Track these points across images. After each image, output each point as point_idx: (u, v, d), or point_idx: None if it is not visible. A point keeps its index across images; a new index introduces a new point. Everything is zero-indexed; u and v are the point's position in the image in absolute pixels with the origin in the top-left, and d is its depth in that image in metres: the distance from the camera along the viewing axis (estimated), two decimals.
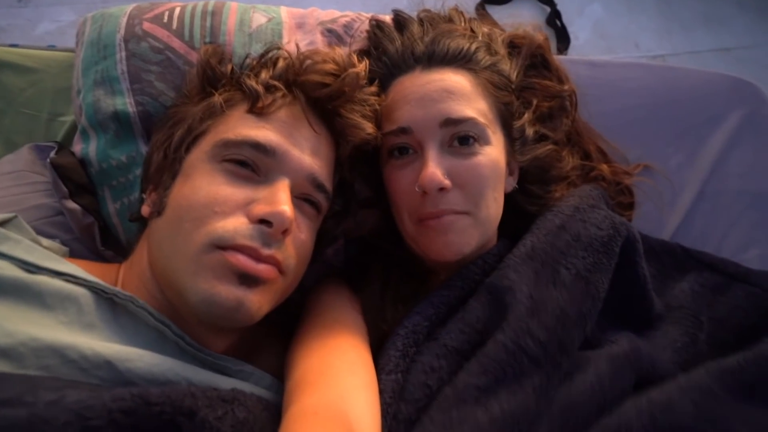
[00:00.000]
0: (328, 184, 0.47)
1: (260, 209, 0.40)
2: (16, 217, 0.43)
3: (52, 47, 0.69)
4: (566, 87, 0.63)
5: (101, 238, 0.55)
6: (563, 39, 1.28)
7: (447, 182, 0.47)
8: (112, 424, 0.28)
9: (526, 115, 0.56)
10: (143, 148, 0.55)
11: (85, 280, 0.39)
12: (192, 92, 0.49)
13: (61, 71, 0.63)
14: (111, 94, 0.55)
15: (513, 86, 0.55)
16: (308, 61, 0.46)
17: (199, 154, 0.44)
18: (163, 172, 0.45)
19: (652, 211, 0.72)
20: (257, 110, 0.44)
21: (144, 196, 0.48)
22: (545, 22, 1.33)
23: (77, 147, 0.57)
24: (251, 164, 0.42)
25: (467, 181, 0.48)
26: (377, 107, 0.49)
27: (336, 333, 0.45)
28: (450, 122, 0.48)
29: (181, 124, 0.46)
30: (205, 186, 0.41)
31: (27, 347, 0.33)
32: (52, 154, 0.55)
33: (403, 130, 0.48)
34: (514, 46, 0.60)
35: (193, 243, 0.39)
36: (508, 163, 0.54)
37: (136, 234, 0.51)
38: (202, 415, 0.32)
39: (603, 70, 0.80)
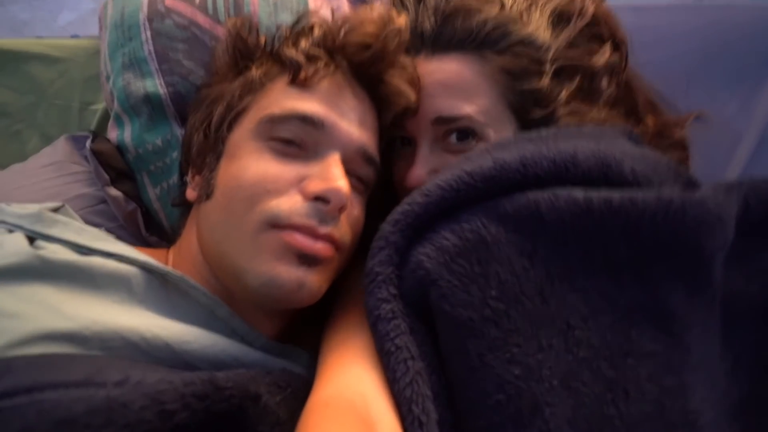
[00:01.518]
0: (377, 156, 0.45)
1: (316, 186, 0.39)
2: (63, 206, 0.43)
3: (75, 37, 0.68)
4: (612, 58, 0.53)
5: (145, 223, 0.54)
6: None
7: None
8: (186, 408, 0.28)
9: (560, 97, 0.48)
10: (177, 130, 0.54)
11: (136, 259, 0.39)
12: (224, 68, 0.47)
13: (88, 59, 0.63)
14: (140, 76, 0.54)
15: (547, 65, 0.48)
16: (347, 25, 0.44)
17: (243, 133, 0.42)
18: (205, 153, 0.44)
19: (710, 162, 0.67)
20: (300, 82, 0.41)
21: (187, 179, 0.47)
22: None
23: (112, 134, 0.56)
24: (298, 141, 0.40)
25: None
26: (416, 75, 0.46)
27: (360, 309, 0.43)
28: (441, 120, 0.45)
29: (219, 103, 0.44)
30: (253, 164, 0.40)
31: (90, 330, 0.33)
32: (89, 142, 0.55)
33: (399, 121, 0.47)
34: (561, 17, 0.52)
35: (248, 224, 0.38)
36: None
37: (180, 218, 0.51)
38: (264, 399, 0.32)
39: (648, 15, 0.74)
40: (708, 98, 0.70)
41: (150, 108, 0.54)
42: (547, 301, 0.32)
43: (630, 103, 0.63)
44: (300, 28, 0.47)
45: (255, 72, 0.44)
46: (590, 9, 0.54)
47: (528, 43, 0.47)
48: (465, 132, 0.45)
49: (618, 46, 0.57)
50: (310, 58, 0.43)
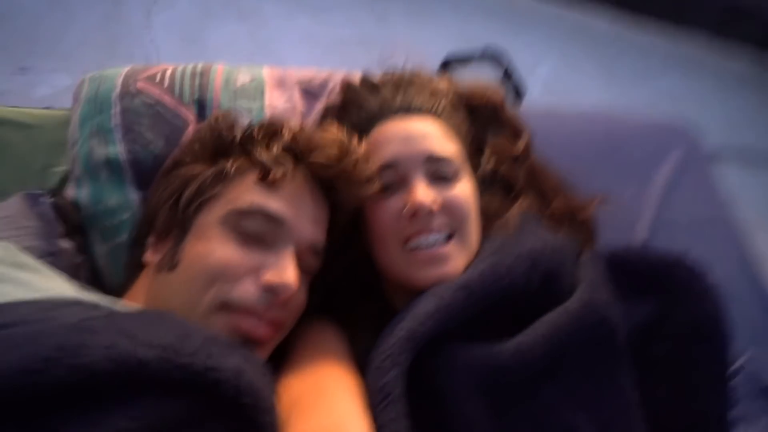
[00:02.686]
0: (323, 249, 0.51)
1: (269, 279, 0.44)
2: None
3: (48, 108, 0.74)
4: (517, 147, 0.67)
5: (87, 280, 0.57)
6: (517, 95, 1.41)
7: (436, 204, 0.51)
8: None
9: (482, 166, 0.61)
10: (132, 195, 0.60)
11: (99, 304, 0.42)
12: (199, 154, 0.52)
13: (55, 127, 0.68)
14: (104, 143, 0.60)
15: (469, 141, 0.60)
16: (315, 142, 0.50)
17: (211, 218, 0.47)
18: (171, 227, 0.48)
19: (614, 242, 0.77)
20: (268, 182, 0.47)
21: (147, 242, 0.50)
22: (501, 78, 1.47)
23: (70, 192, 0.61)
24: (261, 236, 0.46)
25: (452, 206, 0.52)
26: (369, 174, 0.51)
27: (330, 361, 0.48)
28: (433, 159, 0.53)
29: (189, 184, 0.49)
30: (219, 249, 0.45)
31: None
32: (47, 198, 0.58)
33: (389, 166, 0.52)
34: (471, 107, 0.65)
35: (204, 302, 0.43)
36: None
37: (124, 277, 0.53)
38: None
39: (554, 120, 0.89)
40: (607, 187, 0.82)
41: (109, 171, 0.60)
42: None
43: (538, 187, 0.74)
44: (271, 130, 0.51)
45: (229, 165, 0.49)
46: (495, 98, 0.68)
47: (459, 119, 0.60)
48: (448, 176, 0.53)
49: (521, 137, 0.70)
50: (279, 162, 0.48)
